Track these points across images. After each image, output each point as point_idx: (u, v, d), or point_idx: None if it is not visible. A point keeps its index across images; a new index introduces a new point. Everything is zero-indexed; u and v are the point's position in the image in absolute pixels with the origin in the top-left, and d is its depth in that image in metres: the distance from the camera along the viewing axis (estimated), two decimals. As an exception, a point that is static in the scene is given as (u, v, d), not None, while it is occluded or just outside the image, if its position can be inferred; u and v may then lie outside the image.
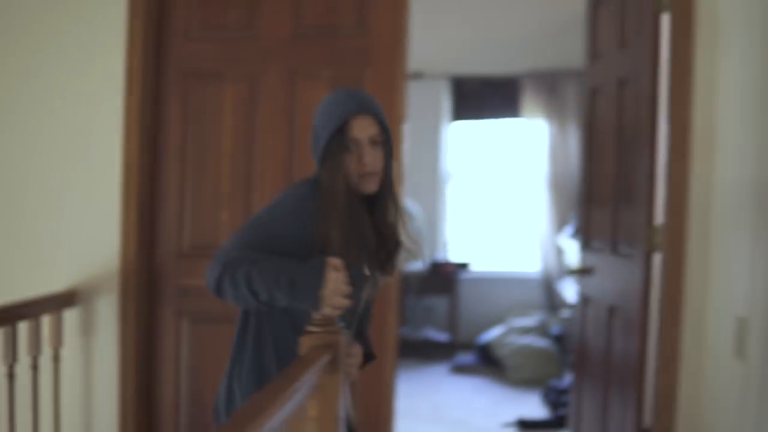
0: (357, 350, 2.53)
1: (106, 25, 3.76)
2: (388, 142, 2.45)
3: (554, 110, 8.12)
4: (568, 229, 7.54)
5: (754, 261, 2.93)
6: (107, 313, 3.78)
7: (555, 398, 6.05)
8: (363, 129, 2.38)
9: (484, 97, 8.32)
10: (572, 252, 6.80)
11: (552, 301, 8.17)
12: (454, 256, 8.41)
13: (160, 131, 3.86)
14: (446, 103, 8.29)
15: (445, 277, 7.92)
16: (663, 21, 3.54)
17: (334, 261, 2.18)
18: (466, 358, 7.52)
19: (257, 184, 3.78)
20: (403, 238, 2.56)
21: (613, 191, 3.96)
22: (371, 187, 2.42)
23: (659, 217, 3.57)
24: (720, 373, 3.26)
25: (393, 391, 3.85)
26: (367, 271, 2.43)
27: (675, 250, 3.46)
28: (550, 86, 8.10)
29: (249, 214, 3.71)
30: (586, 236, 4.39)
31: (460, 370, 7.32)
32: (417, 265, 7.78)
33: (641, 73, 3.61)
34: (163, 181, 3.86)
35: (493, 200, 8.67)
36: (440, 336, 7.99)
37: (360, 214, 2.40)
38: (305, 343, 2.10)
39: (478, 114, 8.39)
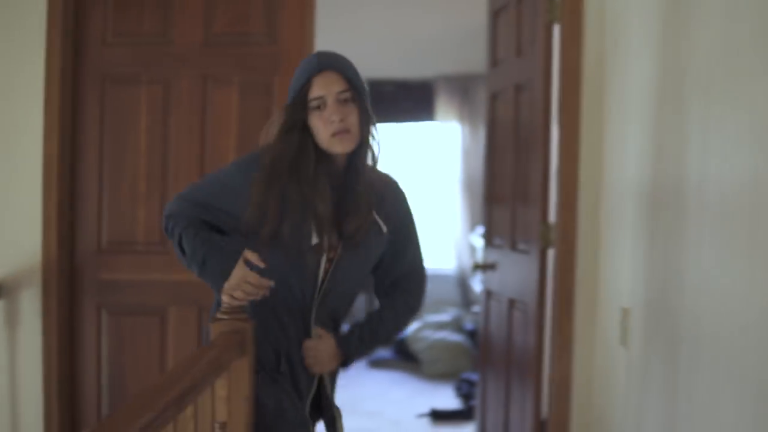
0: (322, 345, 2.40)
1: (25, 31, 3.79)
2: (361, 99, 2.30)
3: (467, 113, 8.27)
4: (480, 228, 7.71)
5: (635, 255, 3.07)
6: (31, 305, 3.83)
7: (467, 390, 6.21)
8: (326, 86, 2.24)
9: (398, 100, 8.39)
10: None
11: (466, 297, 8.33)
12: (371, 254, 8.46)
13: (78, 132, 3.91)
14: (362, 106, 8.33)
15: (363, 274, 7.98)
16: (555, 31, 3.67)
17: (248, 255, 2.21)
18: (383, 352, 7.56)
19: (172, 183, 3.86)
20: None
21: (511, 190, 4.08)
22: (344, 147, 2.26)
23: (553, 215, 3.71)
24: (608, 360, 3.40)
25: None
26: (315, 239, 2.29)
27: (566, 246, 3.63)
28: (463, 90, 8.24)
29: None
30: (488, 233, 4.49)
31: (377, 364, 7.40)
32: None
33: (535, 79, 3.74)
34: (82, 180, 3.92)
35: (409, 200, 8.77)
36: (358, 332, 8.06)
37: (309, 179, 2.25)
38: (215, 329, 2.23)
39: (394, 117, 8.44)
